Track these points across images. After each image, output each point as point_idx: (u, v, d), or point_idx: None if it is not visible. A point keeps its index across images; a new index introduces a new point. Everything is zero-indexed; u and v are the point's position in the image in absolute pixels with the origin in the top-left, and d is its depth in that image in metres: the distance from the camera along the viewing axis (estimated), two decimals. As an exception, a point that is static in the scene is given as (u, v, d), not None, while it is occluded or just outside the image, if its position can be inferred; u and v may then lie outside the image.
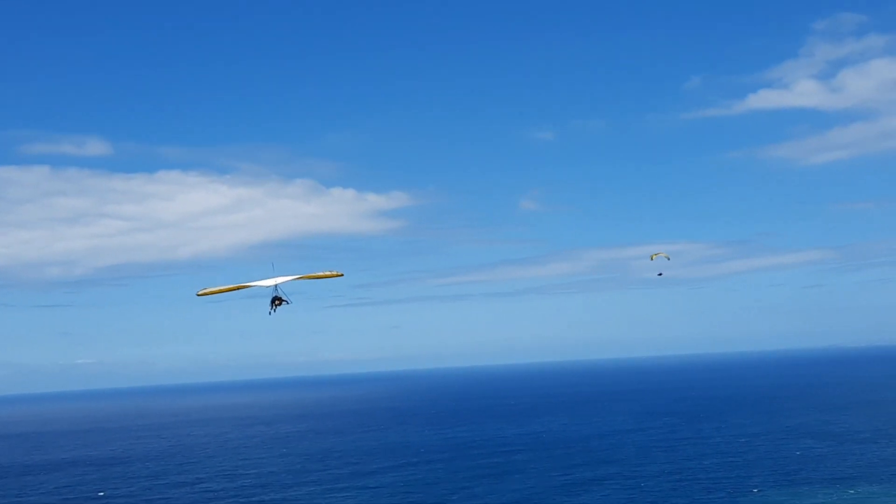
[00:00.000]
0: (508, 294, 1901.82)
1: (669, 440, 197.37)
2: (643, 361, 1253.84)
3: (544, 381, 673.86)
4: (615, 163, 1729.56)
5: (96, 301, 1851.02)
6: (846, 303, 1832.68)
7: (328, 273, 57.96)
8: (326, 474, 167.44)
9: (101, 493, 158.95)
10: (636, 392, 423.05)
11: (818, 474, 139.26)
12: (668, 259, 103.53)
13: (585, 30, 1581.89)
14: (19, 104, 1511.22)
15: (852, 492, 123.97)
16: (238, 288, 56.50)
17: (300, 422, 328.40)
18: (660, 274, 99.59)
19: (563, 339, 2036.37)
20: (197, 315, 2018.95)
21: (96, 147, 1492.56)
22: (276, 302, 55.71)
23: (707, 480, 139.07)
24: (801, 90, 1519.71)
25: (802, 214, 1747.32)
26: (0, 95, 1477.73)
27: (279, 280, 54.99)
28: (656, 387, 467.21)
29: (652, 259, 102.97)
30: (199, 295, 58.04)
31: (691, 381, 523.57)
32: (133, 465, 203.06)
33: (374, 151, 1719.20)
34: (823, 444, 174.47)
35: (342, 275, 58.57)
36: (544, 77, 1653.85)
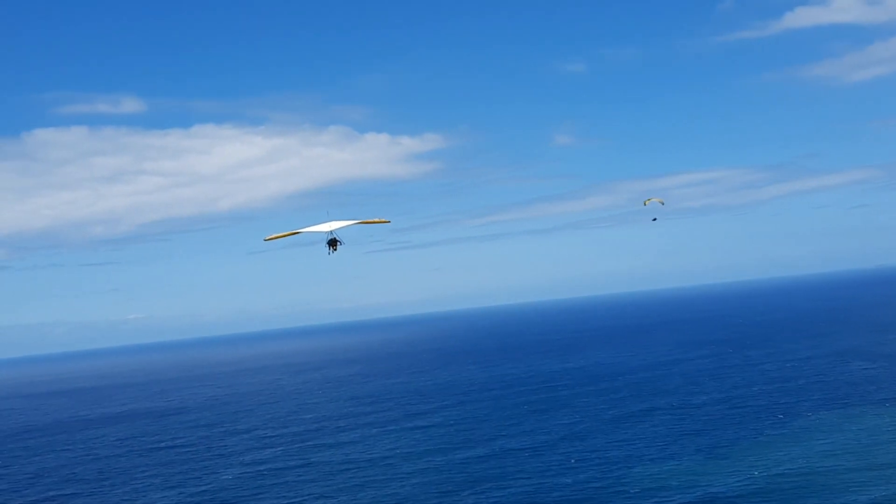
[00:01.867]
0: (546, 230, 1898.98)
1: (717, 368, 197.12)
2: (686, 291, 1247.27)
3: (587, 315, 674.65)
4: (649, 92, 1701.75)
5: (141, 257, 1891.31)
6: (894, 221, 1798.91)
7: (377, 220, 62.91)
8: (378, 416, 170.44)
9: (162, 443, 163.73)
10: (681, 322, 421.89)
11: (871, 395, 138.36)
12: (663, 204, 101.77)
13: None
14: (53, 66, 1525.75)
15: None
16: (297, 233, 60.67)
17: (349, 366, 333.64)
18: (654, 219, 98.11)
19: (602, 272, 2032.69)
20: (241, 266, 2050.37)
21: (131, 105, 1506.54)
22: (333, 245, 61.05)
23: (756, 406, 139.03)
24: (839, 5, 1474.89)
25: (845, 134, 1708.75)
26: (33, 57, 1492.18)
27: (334, 225, 59.51)
28: (701, 316, 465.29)
29: (646, 204, 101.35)
30: (266, 240, 62.79)
31: (737, 308, 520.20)
32: (190, 415, 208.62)
33: (405, 93, 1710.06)
34: (875, 365, 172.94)
35: (389, 221, 63.26)
36: (571, 6, 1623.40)
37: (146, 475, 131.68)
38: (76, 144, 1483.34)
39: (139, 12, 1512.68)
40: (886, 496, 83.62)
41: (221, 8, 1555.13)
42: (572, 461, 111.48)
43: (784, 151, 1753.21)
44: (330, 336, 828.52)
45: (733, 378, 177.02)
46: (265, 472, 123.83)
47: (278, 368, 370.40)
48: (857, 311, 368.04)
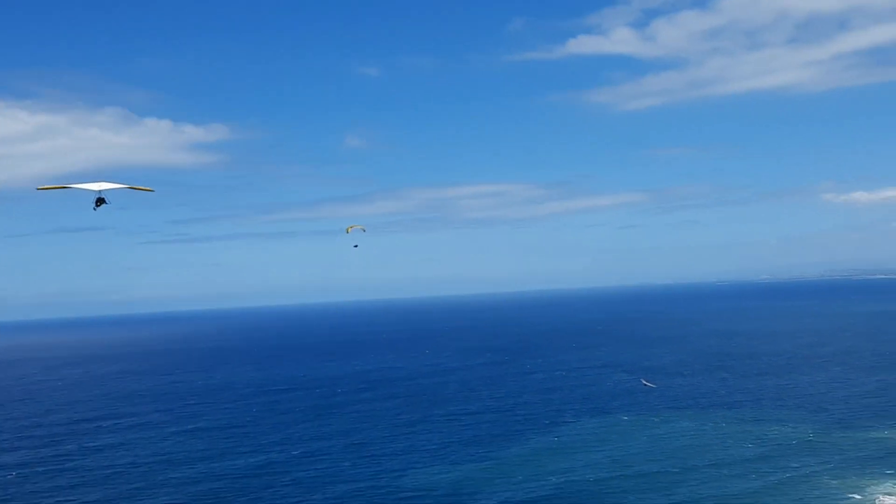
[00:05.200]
0: (334, 232, 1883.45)
1: (492, 376, 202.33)
2: (469, 299, 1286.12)
3: (370, 319, 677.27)
4: (441, 102, 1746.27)
5: None
6: (656, 243, 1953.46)
7: (144, 188, 68.72)
8: (144, 418, 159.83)
9: None
10: (462, 330, 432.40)
11: (627, 404, 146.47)
12: (364, 231, 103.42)
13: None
14: None
15: (654, 418, 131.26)
16: (69, 187, 64.80)
17: (115, 363, 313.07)
18: (356, 246, 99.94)
19: (388, 277, 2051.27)
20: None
21: None
22: (99, 202, 65.38)
23: (525, 414, 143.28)
24: (617, 37, 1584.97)
25: (619, 158, 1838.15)
26: None
27: (104, 186, 64.20)
28: (481, 324, 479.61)
29: (348, 231, 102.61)
30: (38, 189, 66.40)
31: (515, 318, 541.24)
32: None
33: (192, 80, 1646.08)
34: (633, 377, 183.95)
35: (153, 190, 71.58)
36: (369, 12, 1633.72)
37: None
38: None
39: None
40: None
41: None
42: (346, 468, 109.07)
43: (564, 171, 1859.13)
44: (97, 329, 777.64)
45: (508, 386, 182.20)
46: (7, 482, 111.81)
47: (33, 362, 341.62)
48: (621, 325, 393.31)
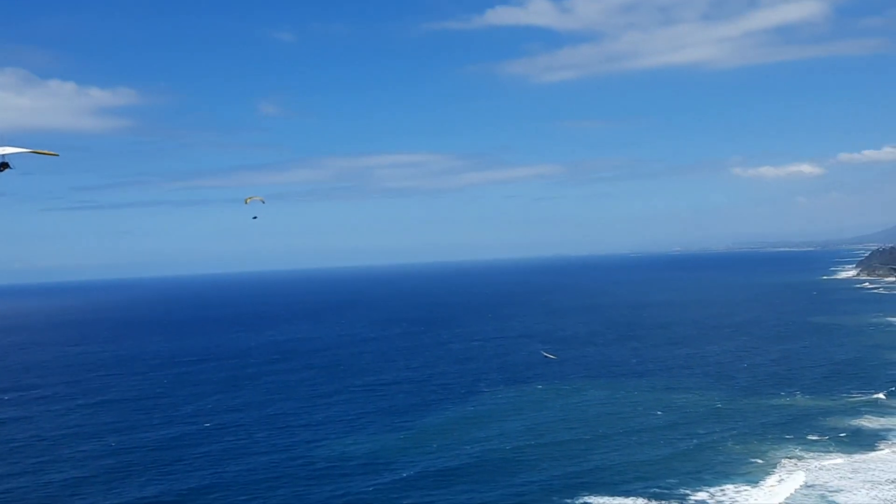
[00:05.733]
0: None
1: (409, 347, 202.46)
2: (384, 270, 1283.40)
3: (284, 289, 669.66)
4: (357, 70, 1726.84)
5: None
6: (572, 214, 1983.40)
7: (48, 152, 63.71)
8: (46, 391, 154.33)
9: None
10: (378, 300, 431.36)
11: (541, 373, 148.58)
12: (264, 202, 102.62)
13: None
14: None
15: (567, 387, 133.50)
16: None
17: (13, 334, 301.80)
18: (255, 217, 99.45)
19: (303, 247, 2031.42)
20: None
21: None
22: (2, 167, 61.99)
23: (441, 384, 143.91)
24: (535, 9, 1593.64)
25: (535, 131, 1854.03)
26: None
27: (5, 150, 60.56)
28: (398, 294, 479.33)
29: (246, 202, 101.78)
30: None
31: (431, 289, 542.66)
32: None
33: (97, 41, 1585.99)
34: (549, 346, 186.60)
35: (58, 154, 65.60)
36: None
37: None
38: None
39: None
40: (559, 475, 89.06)
41: None
42: (260, 439, 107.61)
43: (482, 142, 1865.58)
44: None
45: (424, 356, 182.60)
46: None
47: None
48: (536, 296, 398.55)
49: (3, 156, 63.10)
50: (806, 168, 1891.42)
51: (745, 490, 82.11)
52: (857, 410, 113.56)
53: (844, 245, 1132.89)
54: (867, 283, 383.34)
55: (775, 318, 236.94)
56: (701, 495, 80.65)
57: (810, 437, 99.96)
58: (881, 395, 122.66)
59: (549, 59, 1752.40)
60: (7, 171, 64.25)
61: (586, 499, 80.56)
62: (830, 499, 79.66)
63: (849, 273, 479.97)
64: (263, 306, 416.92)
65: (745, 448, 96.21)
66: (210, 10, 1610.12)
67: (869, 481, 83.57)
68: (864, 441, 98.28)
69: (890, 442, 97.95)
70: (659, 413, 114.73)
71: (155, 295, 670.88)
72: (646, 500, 79.60)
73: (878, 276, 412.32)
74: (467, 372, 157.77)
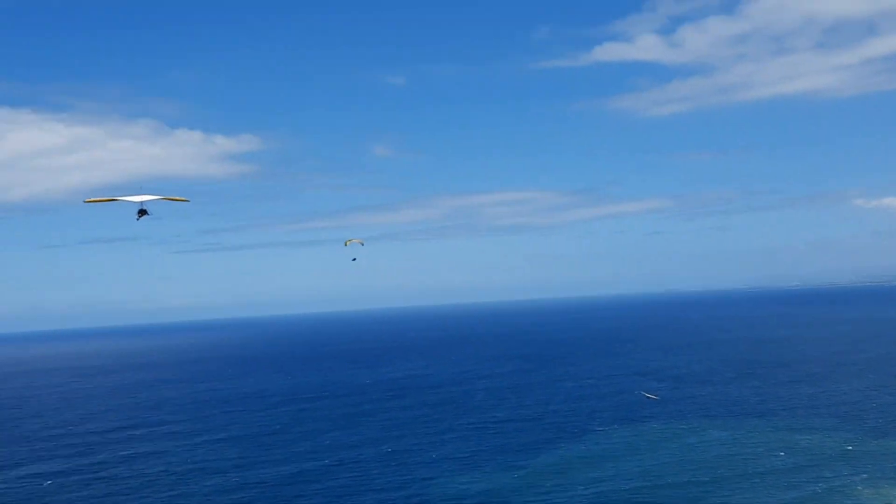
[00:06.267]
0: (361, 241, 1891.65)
1: (521, 384, 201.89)
2: (496, 307, 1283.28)
3: (398, 326, 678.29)
4: (466, 110, 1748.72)
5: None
6: (682, 249, 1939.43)
7: (179, 198, 73.44)
8: (176, 427, 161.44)
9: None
10: (491, 337, 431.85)
11: (657, 412, 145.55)
12: (363, 245, 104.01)
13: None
14: None
15: (684, 427, 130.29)
16: (116, 200, 69.55)
17: (147, 371, 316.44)
18: (354, 259, 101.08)
19: (415, 284, 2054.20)
20: (34, 260, 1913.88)
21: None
22: (141, 213, 69.64)
23: (554, 422, 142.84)
24: (643, 44, 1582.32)
25: (644, 164, 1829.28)
26: None
27: (144, 197, 69.06)
28: (509, 331, 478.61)
29: (346, 245, 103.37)
30: (85, 202, 70.96)
31: (543, 325, 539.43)
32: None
33: (222, 91, 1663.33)
34: (662, 385, 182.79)
35: (189, 200, 77.08)
36: (392, 21, 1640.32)
37: None
38: None
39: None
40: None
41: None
42: (375, 476, 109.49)
43: (590, 177, 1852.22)
44: (131, 338, 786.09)
45: (537, 394, 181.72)
46: (43, 490, 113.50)
47: (68, 371, 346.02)
48: (650, 333, 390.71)
49: (143, 203, 70.09)
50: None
51: (877, 537, 78.37)
52: None
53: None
54: None
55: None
56: (828, 542, 77.47)
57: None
58: None
59: (657, 93, 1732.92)
60: (146, 217, 71.41)
61: (706, 543, 78.53)
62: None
63: None
64: (378, 343, 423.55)
65: (876, 493, 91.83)
66: (327, 58, 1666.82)
67: None
68: None
69: None
70: (782, 454, 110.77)
71: (274, 333, 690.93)
72: (769, 546, 77.02)
73: None
74: (581, 410, 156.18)
